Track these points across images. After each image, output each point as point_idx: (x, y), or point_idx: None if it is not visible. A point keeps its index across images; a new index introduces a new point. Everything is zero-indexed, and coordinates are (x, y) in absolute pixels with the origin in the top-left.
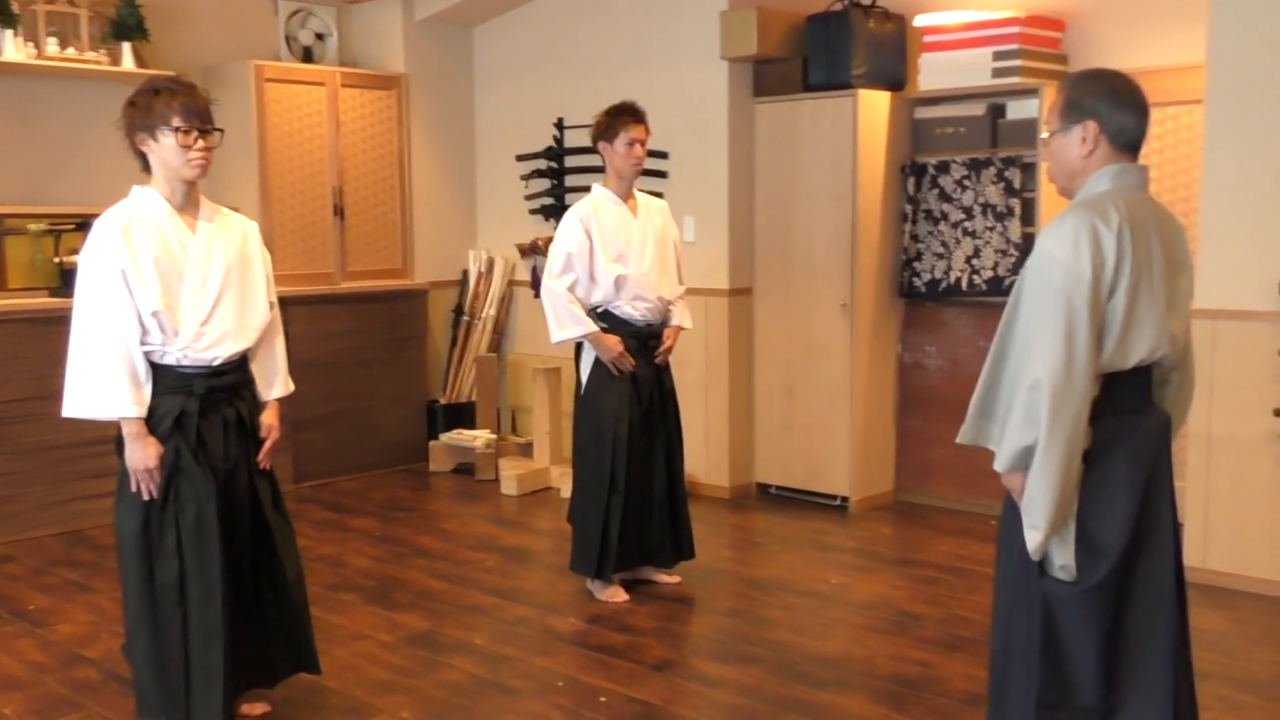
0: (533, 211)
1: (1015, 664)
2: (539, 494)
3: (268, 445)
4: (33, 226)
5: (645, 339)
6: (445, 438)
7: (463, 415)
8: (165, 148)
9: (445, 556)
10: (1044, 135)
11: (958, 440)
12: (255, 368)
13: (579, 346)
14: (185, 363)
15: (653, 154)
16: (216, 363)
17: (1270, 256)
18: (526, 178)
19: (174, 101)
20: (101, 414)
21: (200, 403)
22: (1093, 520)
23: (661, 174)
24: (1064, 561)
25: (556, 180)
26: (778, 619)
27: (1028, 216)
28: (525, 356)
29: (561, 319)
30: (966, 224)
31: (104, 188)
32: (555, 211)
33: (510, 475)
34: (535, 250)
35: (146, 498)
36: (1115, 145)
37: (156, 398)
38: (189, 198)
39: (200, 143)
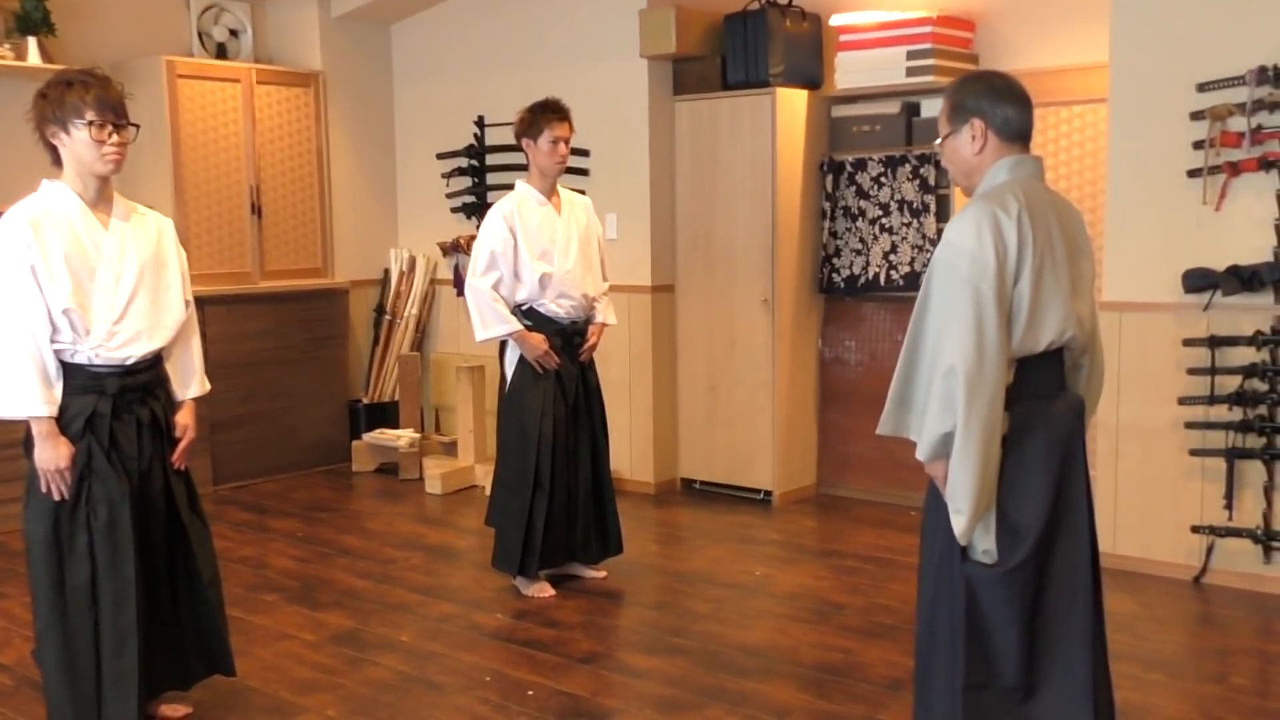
0: (454, 210)
1: (940, 648)
2: (463, 492)
3: (183, 445)
4: None
5: (570, 336)
6: (368, 437)
7: (385, 415)
8: (78, 141)
9: (369, 555)
10: (937, 142)
11: (878, 431)
12: (170, 367)
13: (503, 344)
14: (97, 361)
15: (575, 152)
16: (129, 361)
17: (1173, 250)
18: (448, 176)
19: (87, 95)
20: (10, 413)
21: (113, 402)
22: (1011, 503)
23: (583, 171)
24: (986, 546)
25: (478, 178)
26: (703, 611)
27: (943, 212)
28: (448, 355)
29: (486, 317)
30: (884, 220)
31: (10, 184)
32: (477, 209)
33: (434, 474)
34: (457, 248)
35: (57, 499)
36: (1003, 138)
37: (67, 397)
38: (101, 194)
39: (114, 137)
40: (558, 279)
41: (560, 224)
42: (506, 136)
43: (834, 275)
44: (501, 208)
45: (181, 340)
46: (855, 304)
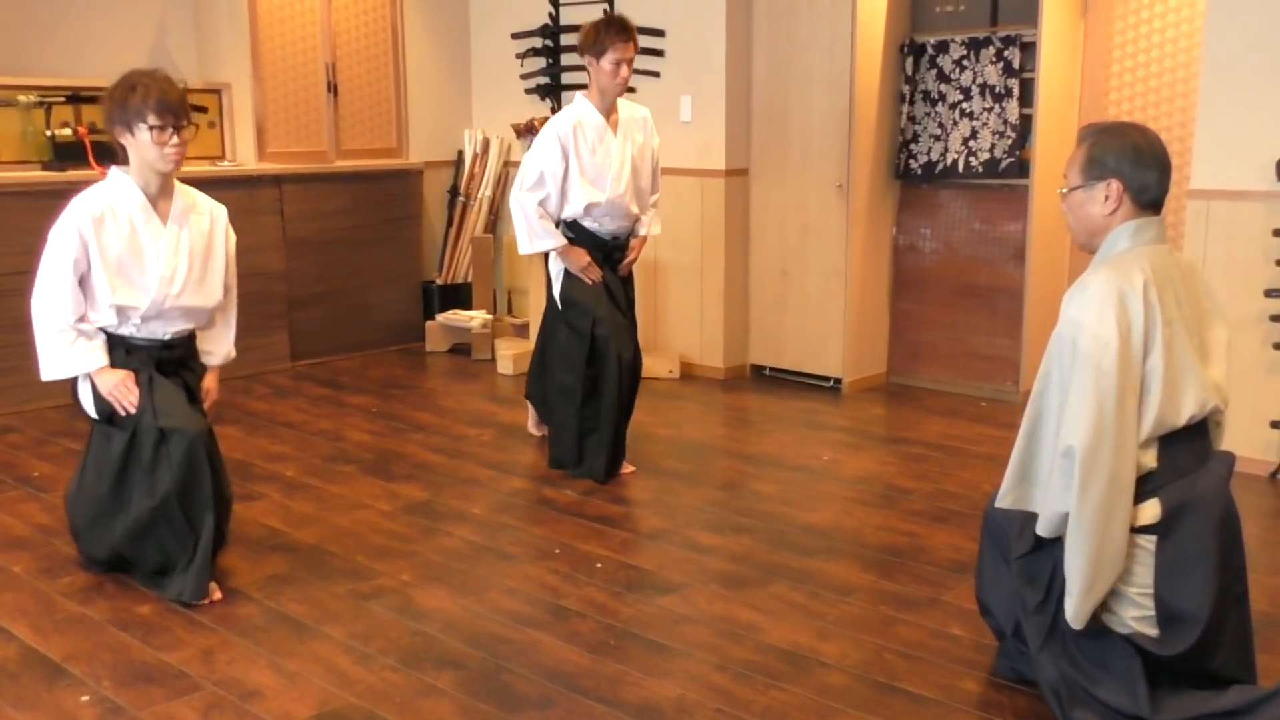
0: (529, 91)
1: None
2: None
3: (206, 406)
4: (22, 98)
5: (610, 250)
6: (441, 318)
7: (459, 296)
8: (141, 143)
9: (442, 432)
10: (1062, 191)
11: (997, 505)
12: (201, 338)
13: (546, 255)
14: (138, 336)
15: (649, 32)
16: (167, 338)
17: (1267, 136)
18: (522, 56)
19: (149, 98)
20: (73, 373)
21: (151, 370)
22: (1170, 592)
23: (658, 52)
24: (1133, 615)
25: (552, 59)
26: (769, 492)
27: (1026, 97)
28: None
29: (534, 231)
30: (964, 105)
31: (92, 58)
32: (551, 91)
33: (506, 355)
34: (531, 130)
35: (129, 409)
36: (1138, 204)
37: (112, 362)
38: (163, 187)
39: (174, 138)
40: (606, 204)
41: (615, 146)
42: (582, 16)
43: (911, 161)
44: (558, 127)
45: (216, 320)
46: (932, 191)
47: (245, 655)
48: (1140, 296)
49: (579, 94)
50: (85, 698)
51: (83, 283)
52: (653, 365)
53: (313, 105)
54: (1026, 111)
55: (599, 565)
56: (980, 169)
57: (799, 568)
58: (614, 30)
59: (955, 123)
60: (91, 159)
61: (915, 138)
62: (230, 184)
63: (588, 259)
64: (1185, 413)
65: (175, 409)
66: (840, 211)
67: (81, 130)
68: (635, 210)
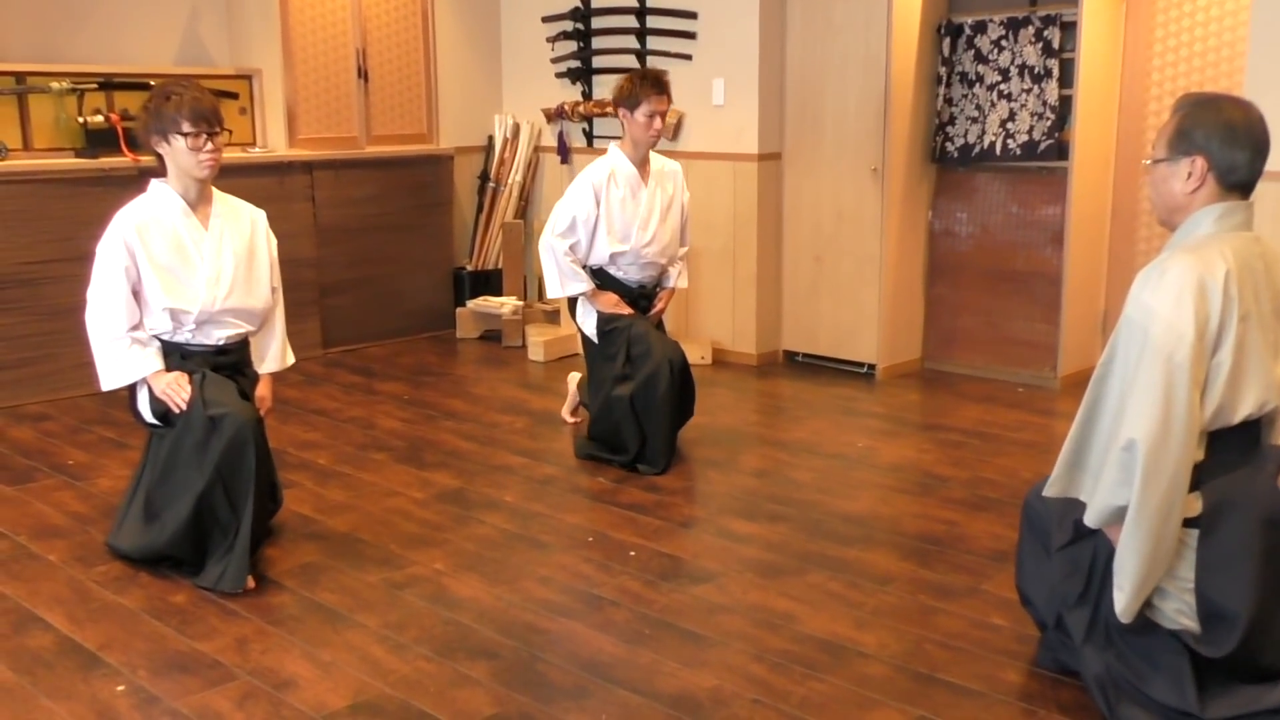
0: (559, 75)
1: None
2: (566, 360)
3: (263, 414)
4: (55, 85)
5: (637, 299)
6: (472, 304)
7: (489, 282)
8: (177, 150)
9: (473, 419)
10: (1147, 162)
11: (1045, 493)
12: (253, 344)
13: (574, 303)
14: (192, 343)
15: (680, 14)
16: (220, 343)
17: None
18: (553, 40)
19: (183, 106)
20: (132, 379)
21: (204, 377)
22: (1212, 588)
23: (690, 35)
24: (1174, 608)
25: (583, 43)
26: (804, 480)
27: (1066, 78)
28: None
29: (564, 274)
30: (1002, 86)
31: (125, 45)
32: (582, 75)
33: (537, 341)
34: (562, 115)
35: (181, 406)
36: (1223, 184)
37: (168, 368)
38: (201, 194)
39: (209, 145)
40: (631, 252)
41: (645, 197)
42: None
43: (947, 144)
44: (593, 176)
45: (266, 323)
46: (969, 174)
47: (279, 645)
48: (1221, 288)
49: (613, 144)
50: (121, 687)
51: (135, 294)
52: (685, 351)
53: (343, 91)
54: (1066, 93)
55: (632, 554)
56: (1018, 151)
57: (836, 556)
58: (649, 84)
59: (993, 104)
60: (124, 146)
61: (952, 120)
62: (261, 170)
63: (617, 298)
64: (1243, 411)
65: (227, 399)
66: (875, 196)
67: (114, 117)
68: (661, 260)
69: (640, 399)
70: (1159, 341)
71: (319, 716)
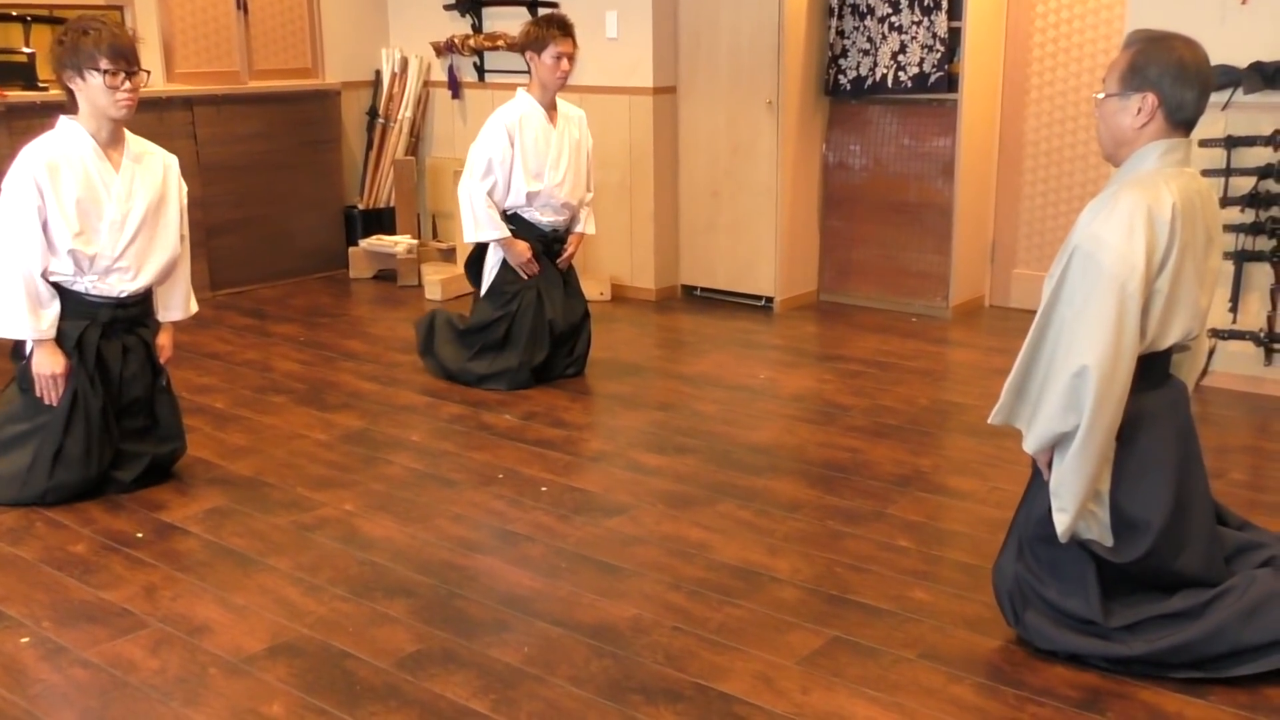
0: (448, 7)
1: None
2: (463, 298)
3: (163, 361)
4: None
5: (550, 243)
6: (365, 244)
7: (381, 221)
8: (93, 88)
9: (373, 359)
10: (1098, 95)
11: (990, 420)
12: (157, 294)
13: (482, 246)
14: (93, 292)
15: None
16: (122, 295)
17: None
18: None
19: (101, 43)
20: (4, 334)
21: (102, 330)
22: (1126, 498)
23: None
24: (1092, 536)
25: None
26: (709, 412)
27: (955, 10)
28: (444, 160)
29: (480, 220)
30: (893, 18)
31: None
32: (472, 7)
33: (434, 280)
34: (452, 49)
35: (49, 403)
36: (1170, 121)
37: (63, 321)
38: (114, 134)
39: (127, 84)
40: (545, 193)
41: (555, 138)
42: None
43: (840, 77)
44: (505, 117)
45: (173, 271)
46: (861, 107)
47: (190, 590)
48: (1168, 221)
49: (520, 89)
50: (25, 639)
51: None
52: (584, 287)
53: (222, 24)
54: (955, 24)
55: (544, 489)
56: (909, 84)
57: (745, 486)
58: (555, 26)
59: (884, 37)
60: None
61: (844, 52)
62: (139, 106)
63: (529, 254)
64: (1172, 338)
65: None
66: (770, 129)
67: None
68: (572, 202)
69: (489, 379)
70: (1112, 271)
71: (237, 660)
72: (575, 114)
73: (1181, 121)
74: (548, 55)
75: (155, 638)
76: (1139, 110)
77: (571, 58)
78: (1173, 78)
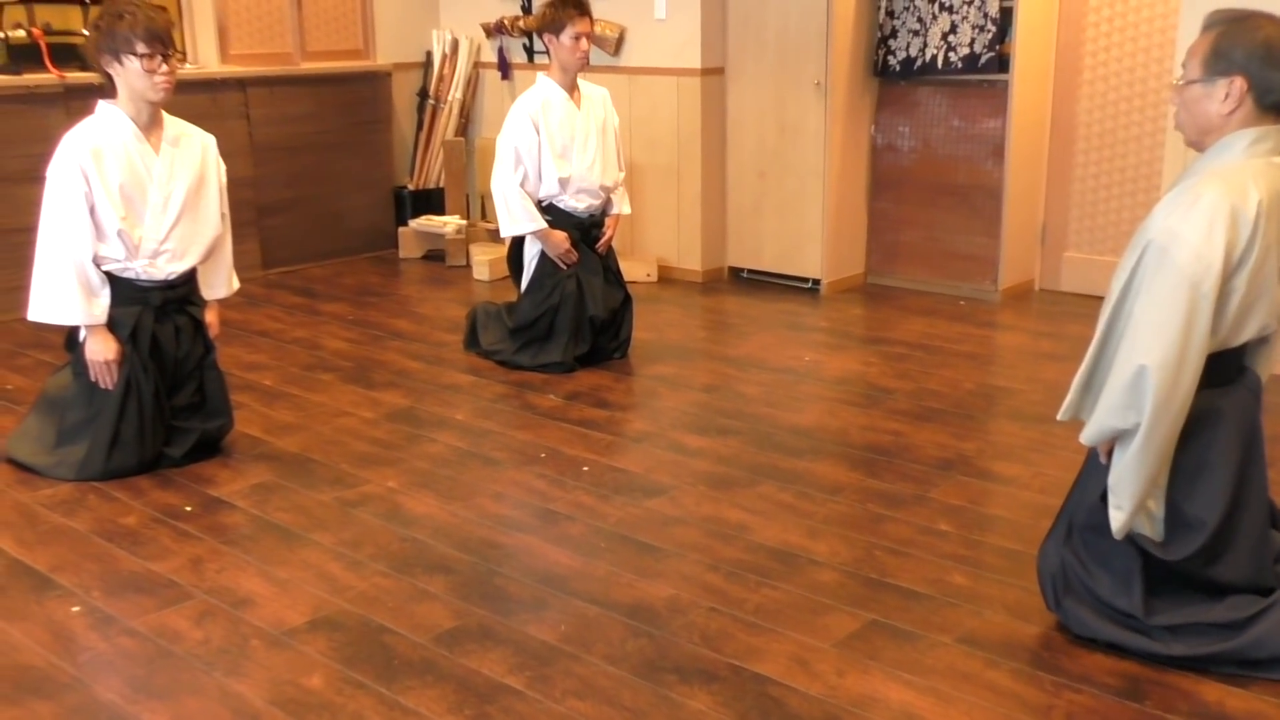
0: None
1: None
2: (510, 279)
3: (212, 337)
4: None
5: (588, 229)
6: (414, 224)
7: (431, 201)
8: (130, 72)
9: (420, 339)
10: (1178, 81)
11: (1059, 417)
12: (201, 272)
13: (521, 238)
14: (143, 277)
15: None
16: (171, 278)
17: None
18: None
19: (137, 26)
20: (59, 320)
21: (155, 314)
22: (1183, 495)
23: None
24: (1143, 531)
25: None
26: (753, 394)
27: None
28: (493, 141)
29: (514, 213)
30: None
31: None
32: None
33: (482, 260)
34: (502, 30)
35: (105, 387)
36: (1260, 105)
37: (114, 308)
38: (154, 118)
39: (164, 67)
40: (577, 176)
41: (580, 120)
42: None
43: (889, 58)
44: (527, 106)
45: (216, 250)
46: (910, 88)
47: (235, 564)
48: (1252, 219)
49: (540, 74)
50: (76, 608)
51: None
52: (630, 269)
53: (276, 5)
54: (1007, 4)
55: (585, 469)
56: (959, 65)
57: (787, 468)
58: (570, 7)
59: (934, 17)
60: (49, 62)
61: (894, 33)
62: (193, 87)
63: (567, 243)
64: (1246, 335)
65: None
66: (818, 111)
67: (36, 31)
68: (606, 182)
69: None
70: (1186, 270)
71: (278, 632)
72: (598, 93)
73: (1271, 106)
74: (566, 36)
75: (200, 609)
76: (1226, 96)
77: (590, 37)
78: (1261, 59)
